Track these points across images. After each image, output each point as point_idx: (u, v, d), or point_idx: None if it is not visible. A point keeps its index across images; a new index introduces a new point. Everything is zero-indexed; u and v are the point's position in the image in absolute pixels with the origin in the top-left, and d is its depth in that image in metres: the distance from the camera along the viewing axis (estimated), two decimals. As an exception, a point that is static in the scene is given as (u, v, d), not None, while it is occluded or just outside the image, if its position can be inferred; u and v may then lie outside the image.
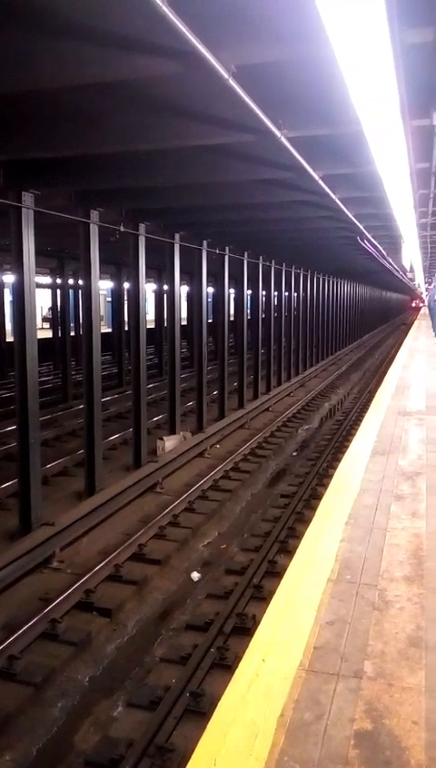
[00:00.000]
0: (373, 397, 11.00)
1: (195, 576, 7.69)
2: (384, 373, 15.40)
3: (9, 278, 19.82)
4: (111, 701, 5.39)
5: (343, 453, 7.16)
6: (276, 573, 7.22)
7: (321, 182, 7.41)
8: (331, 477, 6.24)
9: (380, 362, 29.52)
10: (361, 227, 11.76)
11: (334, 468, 6.68)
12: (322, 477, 11.03)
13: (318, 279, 27.09)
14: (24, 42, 4.22)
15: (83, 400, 9.75)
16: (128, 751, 4.61)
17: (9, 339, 20.31)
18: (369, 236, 13.44)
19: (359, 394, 20.74)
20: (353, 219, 10.65)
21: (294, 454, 13.45)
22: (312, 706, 2.61)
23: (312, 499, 9.80)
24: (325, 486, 7.29)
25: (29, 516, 8.05)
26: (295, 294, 23.42)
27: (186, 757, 2.44)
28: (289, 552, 7.57)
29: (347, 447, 7.32)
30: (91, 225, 9.20)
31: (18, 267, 7.89)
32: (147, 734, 4.76)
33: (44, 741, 4.92)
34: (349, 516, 4.80)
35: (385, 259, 20.03)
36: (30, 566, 7.29)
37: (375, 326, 54.10)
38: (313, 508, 6.06)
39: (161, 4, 2.93)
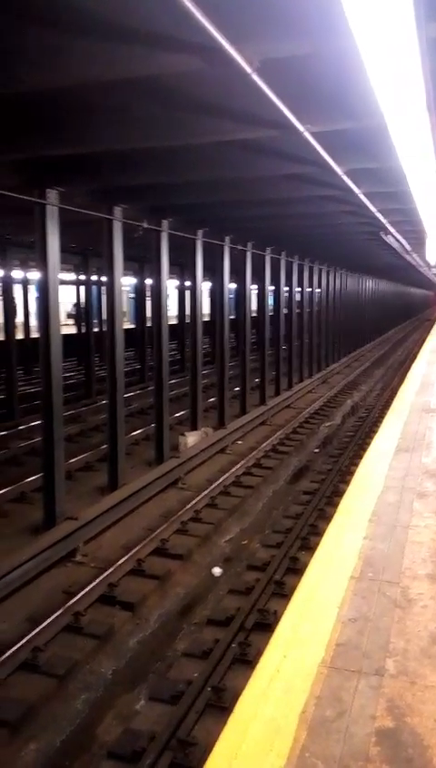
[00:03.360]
0: (396, 393, 10.90)
1: (217, 571, 7.72)
2: (408, 369, 15.23)
3: (33, 275, 20.04)
4: (133, 694, 5.45)
5: (366, 450, 7.11)
6: (298, 569, 7.20)
7: (344, 176, 7.34)
8: (353, 474, 6.21)
9: (403, 358, 29.20)
10: (384, 222, 11.63)
11: (356, 465, 6.64)
12: (345, 474, 10.97)
13: (341, 275, 26.88)
14: (49, 40, 4.26)
15: (106, 396, 9.82)
16: (150, 744, 4.66)
17: (34, 335, 20.57)
18: (393, 231, 13.29)
19: (382, 390, 20.56)
20: (377, 214, 10.55)
21: (316, 451, 13.39)
22: (333, 703, 2.61)
23: (333, 496, 9.75)
24: (347, 483, 7.25)
25: (53, 510, 8.15)
26: (318, 290, 23.27)
27: (207, 751, 2.45)
28: (310, 549, 7.55)
29: (369, 444, 7.26)
30: (114, 222, 9.24)
31: (43, 264, 7.97)
32: (169, 728, 4.80)
33: (67, 732, 4.99)
34: (371, 513, 4.77)
35: (409, 254, 19.79)
36: (54, 559, 7.39)
37: (399, 322, 53.53)
38: (335, 505, 6.03)
39: (186, 1, 2.93)
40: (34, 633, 5.89)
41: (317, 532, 8.27)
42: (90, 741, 4.92)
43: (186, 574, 7.58)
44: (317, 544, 4.27)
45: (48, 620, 6.10)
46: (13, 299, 16.44)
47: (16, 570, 6.80)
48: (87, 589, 6.71)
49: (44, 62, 4.42)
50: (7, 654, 5.55)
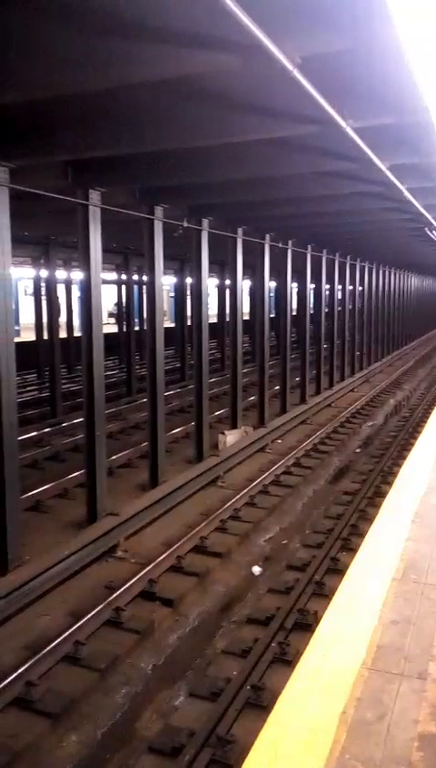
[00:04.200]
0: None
1: (256, 570, 7.71)
2: (453, 368, 14.90)
3: (76, 274, 20.38)
4: (173, 690, 5.49)
5: (409, 450, 6.99)
6: (338, 570, 7.14)
7: (388, 172, 7.23)
8: (396, 474, 6.11)
9: (448, 357, 28.59)
10: (429, 217, 11.41)
11: (399, 466, 6.53)
12: (387, 474, 10.80)
13: (383, 272, 26.47)
14: (92, 44, 4.32)
15: (146, 394, 9.91)
16: (189, 740, 4.69)
17: (76, 333, 20.92)
18: (438, 227, 13.03)
19: (426, 390, 20.17)
20: (421, 209, 10.35)
21: (358, 450, 13.23)
22: (374, 705, 2.57)
23: (375, 497, 9.62)
24: (390, 483, 7.14)
25: (95, 506, 8.27)
26: (360, 288, 22.97)
27: (246, 749, 2.45)
28: (351, 549, 7.47)
29: (413, 444, 7.14)
30: (155, 221, 9.32)
31: (85, 264, 8.09)
32: (208, 725, 4.81)
33: (108, 725, 5.06)
34: (415, 514, 4.69)
35: (455, 250, 19.36)
36: (95, 554, 7.50)
37: (443, 320, 52.36)
38: (377, 506, 5.95)
39: (228, 1, 2.92)
40: (75, 626, 5.99)
41: (358, 533, 8.18)
42: (130, 735, 4.98)
43: (226, 572, 7.60)
44: (358, 545, 4.22)
45: (90, 614, 6.20)
46: (57, 298, 16.75)
47: (59, 564, 6.93)
48: (128, 585, 6.78)
49: (87, 65, 4.48)
50: (50, 648, 5.66)
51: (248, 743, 2.89)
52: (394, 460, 11.63)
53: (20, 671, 5.31)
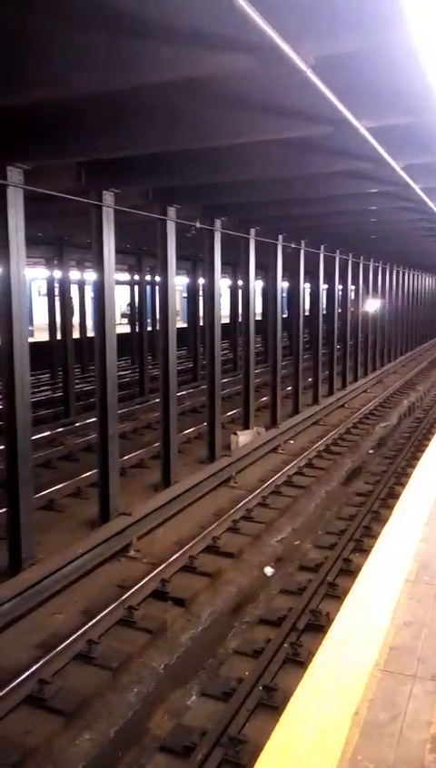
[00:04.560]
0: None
1: (269, 570, 7.71)
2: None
3: (89, 275, 20.45)
4: (185, 689, 5.50)
5: (423, 451, 6.95)
6: (351, 571, 7.12)
7: (401, 172, 7.20)
8: (409, 475, 6.08)
9: (462, 358, 28.40)
10: (443, 217, 11.34)
11: (413, 467, 6.50)
12: (400, 475, 10.75)
13: (397, 272, 26.33)
14: (107, 44, 4.34)
15: (159, 394, 9.94)
16: (201, 739, 4.70)
17: (89, 334, 21.00)
18: (452, 226, 12.94)
19: (439, 391, 20.04)
20: None
21: (371, 451, 13.17)
22: (387, 707, 2.56)
23: (388, 498, 9.58)
24: (403, 485, 7.11)
25: (108, 505, 8.31)
26: (373, 288, 22.86)
27: (258, 749, 2.45)
28: (364, 551, 7.45)
29: (427, 445, 7.10)
30: (168, 222, 9.34)
31: (99, 264, 8.13)
32: (220, 725, 4.82)
33: (120, 723, 5.09)
34: (429, 516, 4.66)
35: (469, 250, 19.21)
36: (108, 553, 7.54)
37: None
38: (390, 507, 5.93)
39: (242, 1, 2.93)
40: (89, 625, 6.02)
41: (371, 534, 8.15)
42: (142, 733, 5.00)
43: (238, 572, 7.60)
44: (371, 546, 4.21)
45: (102, 613, 6.23)
46: (70, 299, 16.84)
47: (72, 563, 6.97)
48: (140, 584, 6.81)
49: (102, 66, 4.51)
50: (63, 646, 5.69)
51: (260, 743, 2.90)
52: (408, 461, 11.57)
53: (33, 668, 5.35)
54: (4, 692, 5.06)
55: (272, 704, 5.07)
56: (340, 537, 8.35)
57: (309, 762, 2.27)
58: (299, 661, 5.63)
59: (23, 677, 5.23)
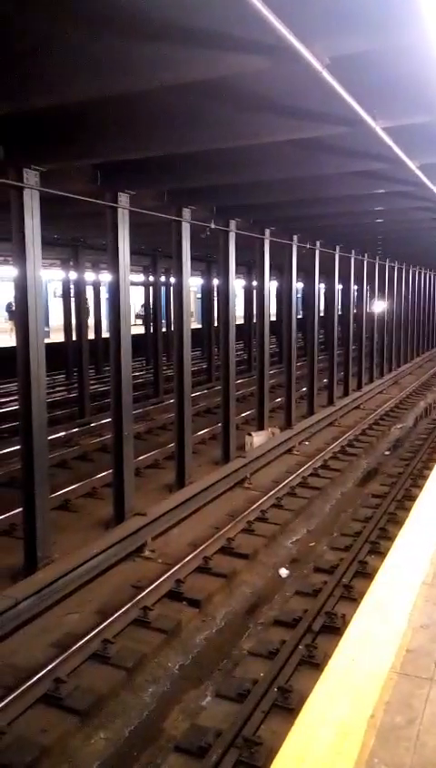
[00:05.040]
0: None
1: (284, 572, 7.68)
2: None
3: (104, 276, 20.55)
4: (199, 690, 5.50)
5: (439, 453, 6.89)
6: (367, 573, 7.07)
7: (418, 171, 7.15)
8: (426, 477, 6.03)
9: (479, 359, 28.12)
10: (461, 217, 11.23)
11: (430, 469, 6.45)
12: (417, 477, 10.67)
13: (414, 272, 26.15)
14: (121, 46, 4.35)
15: (173, 395, 9.95)
16: (216, 740, 4.69)
17: (104, 335, 21.09)
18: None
19: (456, 392, 19.87)
20: (453, 209, 10.21)
21: (387, 453, 13.09)
22: (403, 710, 2.55)
23: (405, 500, 9.51)
24: (420, 487, 7.06)
25: (123, 505, 8.34)
26: (388, 288, 22.73)
27: (273, 751, 2.45)
28: (380, 553, 7.40)
29: (443, 446, 7.04)
30: (183, 223, 9.36)
31: (114, 265, 8.17)
32: (235, 726, 4.81)
33: (135, 723, 5.10)
34: (444, 517, 4.63)
35: None
36: (123, 554, 7.56)
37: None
38: (407, 509, 5.88)
39: (256, 2, 2.93)
40: (104, 625, 6.04)
41: (387, 536, 8.10)
42: (157, 733, 5.01)
43: (252, 573, 7.59)
44: (387, 548, 4.18)
45: (118, 613, 6.25)
46: (85, 300, 16.93)
47: (87, 563, 7.00)
48: (155, 584, 6.82)
49: (117, 68, 4.52)
50: (78, 645, 5.72)
51: (275, 745, 2.89)
52: (424, 463, 11.48)
53: (49, 668, 5.38)
54: (20, 690, 5.10)
55: (288, 705, 5.05)
56: (355, 539, 8.30)
57: (325, 764, 2.26)
58: (314, 663, 5.60)
59: (39, 676, 5.27)
